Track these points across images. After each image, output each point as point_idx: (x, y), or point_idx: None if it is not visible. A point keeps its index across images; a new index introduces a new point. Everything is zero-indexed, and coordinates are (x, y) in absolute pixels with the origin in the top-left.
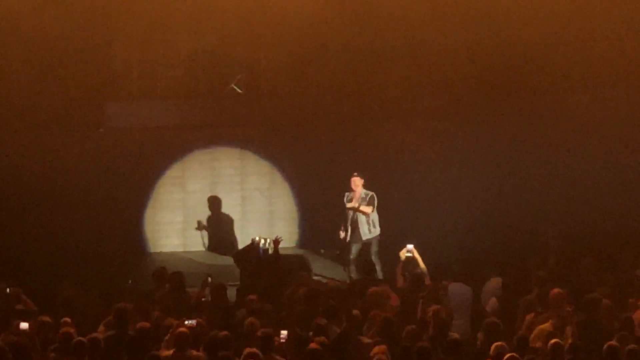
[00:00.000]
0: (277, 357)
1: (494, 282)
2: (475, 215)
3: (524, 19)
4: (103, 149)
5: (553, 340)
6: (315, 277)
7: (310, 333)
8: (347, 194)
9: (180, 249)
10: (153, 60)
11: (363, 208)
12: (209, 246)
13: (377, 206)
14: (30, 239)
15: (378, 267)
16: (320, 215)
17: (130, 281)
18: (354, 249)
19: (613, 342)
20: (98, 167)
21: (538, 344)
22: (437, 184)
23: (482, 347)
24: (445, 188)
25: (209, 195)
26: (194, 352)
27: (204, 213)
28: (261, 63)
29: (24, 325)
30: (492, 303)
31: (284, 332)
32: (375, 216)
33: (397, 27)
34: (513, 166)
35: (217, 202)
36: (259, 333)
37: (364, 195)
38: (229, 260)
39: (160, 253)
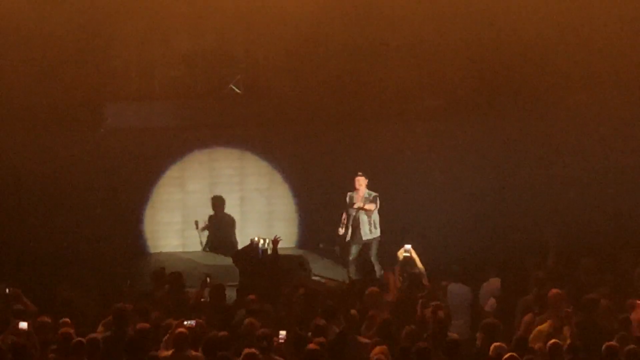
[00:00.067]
0: (276, 357)
1: (493, 283)
2: (474, 215)
3: (524, 19)
4: (102, 150)
5: (552, 341)
6: (314, 278)
7: (309, 333)
8: (349, 193)
9: (180, 250)
10: (152, 60)
11: (367, 206)
12: (210, 246)
13: (378, 207)
14: (30, 239)
15: (377, 269)
16: (319, 215)
17: (129, 282)
18: (354, 249)
19: (612, 343)
20: (97, 168)
21: (538, 345)
22: (437, 184)
23: (481, 348)
24: (445, 188)
25: (212, 195)
26: (193, 353)
27: (203, 213)
28: (260, 63)
29: (23, 324)
30: (491, 303)
31: (282, 333)
32: (376, 217)
33: (397, 27)
34: (512, 166)
35: (221, 202)
36: (258, 333)
37: (367, 195)
38: (228, 260)
39: (160, 253)
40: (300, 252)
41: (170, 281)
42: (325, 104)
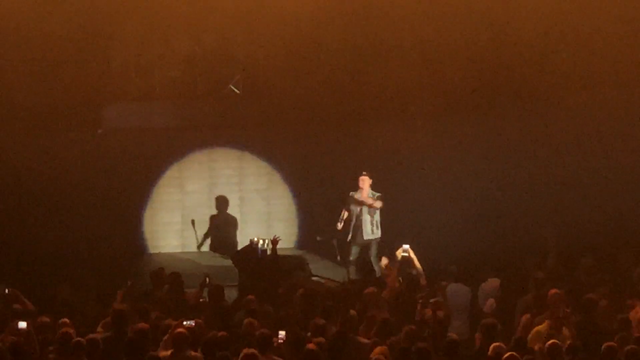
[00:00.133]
0: (275, 357)
1: (492, 283)
2: (474, 215)
3: (523, 19)
4: (101, 150)
5: (550, 341)
6: (313, 278)
7: (309, 333)
8: (352, 193)
9: (179, 250)
10: (151, 61)
11: (376, 203)
12: (210, 246)
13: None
14: (30, 239)
15: (376, 269)
16: (319, 215)
17: (129, 282)
18: (354, 250)
19: (611, 343)
20: (97, 168)
21: (537, 346)
22: (436, 184)
23: (480, 348)
24: (444, 188)
25: (212, 195)
26: (192, 353)
27: (202, 213)
28: (260, 63)
29: (22, 324)
30: (490, 303)
31: (282, 333)
32: (378, 218)
33: (397, 27)
34: (512, 166)
35: (225, 202)
36: (257, 333)
37: (371, 195)
38: (227, 260)
39: (159, 254)
40: (299, 252)
41: (169, 281)
42: (325, 104)
